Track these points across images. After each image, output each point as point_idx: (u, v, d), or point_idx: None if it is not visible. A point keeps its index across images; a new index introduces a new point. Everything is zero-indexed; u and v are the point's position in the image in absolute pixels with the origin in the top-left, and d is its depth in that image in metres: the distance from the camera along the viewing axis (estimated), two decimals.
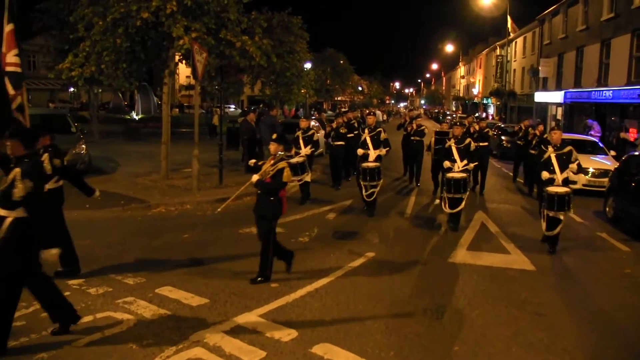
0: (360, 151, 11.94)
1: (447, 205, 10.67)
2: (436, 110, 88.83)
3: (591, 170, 15.47)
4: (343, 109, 51.36)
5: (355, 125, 17.02)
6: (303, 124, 13.76)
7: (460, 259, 8.82)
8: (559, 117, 34.21)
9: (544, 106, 37.35)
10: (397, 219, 11.64)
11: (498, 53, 52.80)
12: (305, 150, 13.17)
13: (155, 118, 34.97)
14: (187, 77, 50.99)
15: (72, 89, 48.28)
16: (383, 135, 12.08)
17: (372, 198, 11.59)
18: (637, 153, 12.97)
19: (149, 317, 6.02)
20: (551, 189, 9.18)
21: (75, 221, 10.39)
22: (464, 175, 10.64)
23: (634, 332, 6.28)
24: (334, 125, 15.87)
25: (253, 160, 10.21)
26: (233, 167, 17.46)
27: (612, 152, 16.83)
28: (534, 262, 8.76)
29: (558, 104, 34.30)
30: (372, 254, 8.87)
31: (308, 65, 32.44)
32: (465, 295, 7.20)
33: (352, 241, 9.66)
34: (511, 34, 45.95)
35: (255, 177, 7.27)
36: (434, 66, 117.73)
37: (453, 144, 11.10)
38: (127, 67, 14.28)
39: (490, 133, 16.16)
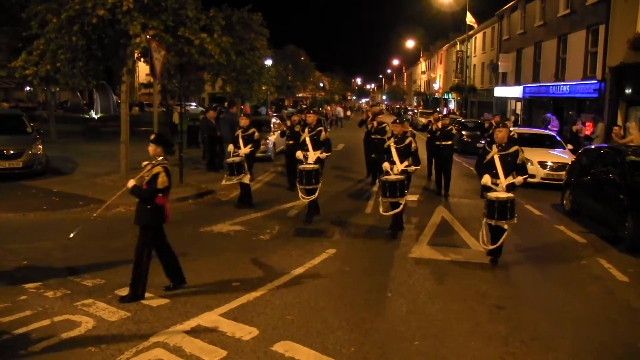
0: (299, 154, 11.17)
1: (382, 208, 9.77)
2: (398, 106, 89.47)
3: (549, 163, 15.80)
4: (304, 106, 51.38)
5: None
6: (242, 122, 12.74)
7: (420, 254, 8.92)
8: (518, 111, 34.82)
9: (504, 101, 37.96)
10: (357, 216, 11.68)
11: (458, 48, 53.47)
12: (244, 150, 12.11)
13: (114, 117, 34.31)
14: (147, 74, 50.20)
15: (28, 88, 47.14)
16: (324, 135, 11.16)
17: (311, 198, 10.69)
18: (592, 146, 13.29)
19: (108, 319, 5.93)
20: (491, 194, 8.15)
21: (32, 223, 10.26)
22: (400, 177, 9.64)
23: (588, 322, 6.43)
24: (288, 123, 15.46)
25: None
26: (194, 165, 17.33)
27: (570, 146, 17.20)
28: None
29: (517, 99, 34.90)
30: (333, 250, 8.91)
31: (269, 62, 32.31)
32: (425, 290, 7.28)
33: (313, 238, 9.68)
34: (474, 26, 46.56)
35: (131, 182, 6.58)
36: (395, 62, 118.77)
37: (392, 144, 10.11)
38: (84, 65, 14.02)
39: (454, 130, 15.80)
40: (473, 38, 48.60)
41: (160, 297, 6.62)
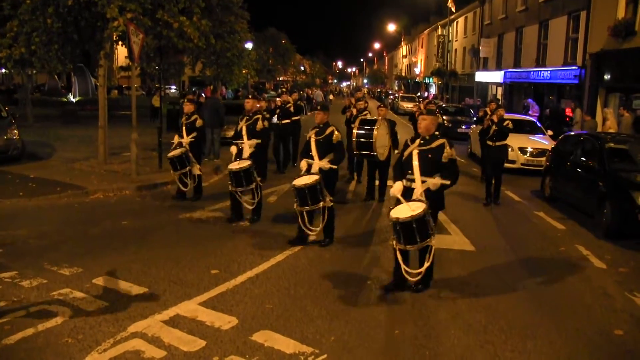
0: (233, 149, 9.84)
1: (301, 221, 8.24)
2: (379, 90, 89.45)
3: (529, 149, 15.90)
4: (283, 89, 51.18)
5: (292, 109, 15.63)
6: (186, 108, 11.56)
7: None
8: (499, 96, 34.96)
9: (485, 86, 38.12)
10: (337, 204, 11.63)
11: (440, 33, 53.47)
12: (185, 139, 10.98)
13: (93, 100, 33.78)
14: (126, 57, 49.53)
15: (3, 71, 46.29)
16: (260, 125, 9.75)
17: (253, 205, 9.57)
18: (572, 134, 13.38)
19: (86, 309, 5.85)
20: (393, 213, 6.30)
21: (8, 210, 10.09)
22: (313, 179, 7.86)
23: (566, 309, 6.49)
24: (279, 102, 15.74)
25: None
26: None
27: (550, 132, 17.31)
28: (474, 242, 8.95)
29: (498, 84, 35.06)
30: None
31: (249, 46, 32.04)
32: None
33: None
34: (453, 10, 46.51)
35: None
36: (377, 45, 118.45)
37: (313, 135, 8.42)
38: (60, 48, 13.76)
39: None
40: (454, 22, 48.59)
41: (138, 286, 6.54)
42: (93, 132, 17.09)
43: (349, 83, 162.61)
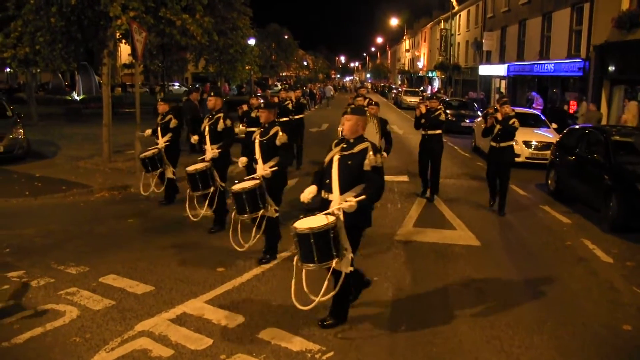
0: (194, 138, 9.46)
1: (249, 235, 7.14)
2: (382, 84, 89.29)
3: (534, 143, 15.87)
4: (285, 84, 51.16)
5: (290, 107, 14.77)
6: (160, 107, 10.92)
7: (406, 236, 8.93)
8: (502, 90, 34.86)
9: (488, 79, 38.00)
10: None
11: (442, 27, 53.31)
12: (161, 141, 10.37)
13: (97, 98, 33.75)
14: (129, 54, 49.71)
15: (8, 70, 46.38)
16: (221, 125, 8.96)
17: (197, 218, 8.71)
18: (577, 127, 13.33)
19: (93, 308, 5.87)
20: (297, 222, 5.24)
21: (14, 209, 10.14)
22: (252, 184, 7.00)
23: (572, 304, 6.48)
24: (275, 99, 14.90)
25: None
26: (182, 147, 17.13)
27: (554, 125, 17.26)
28: (479, 237, 8.94)
29: (502, 77, 34.94)
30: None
31: (252, 42, 32.00)
32: (411, 274, 7.29)
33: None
34: (455, 6, 46.40)
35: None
36: (379, 40, 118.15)
37: (257, 136, 7.59)
38: (64, 47, 13.78)
39: (443, 116, 11.97)
40: (457, 16, 48.45)
41: (144, 284, 6.56)
42: (97, 130, 17.13)
43: (352, 78, 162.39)
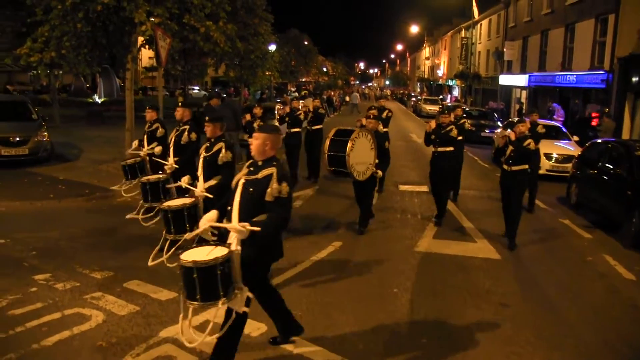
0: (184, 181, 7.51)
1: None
2: (401, 92, 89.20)
3: (555, 155, 15.78)
4: (305, 91, 51.33)
5: (302, 117, 14.12)
6: (147, 115, 10.40)
7: (426, 248, 8.95)
8: (523, 100, 34.69)
9: (509, 89, 37.83)
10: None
11: (463, 35, 53.19)
12: (144, 150, 9.80)
13: (117, 101, 34.32)
14: (150, 58, 50.25)
15: (31, 72, 47.08)
16: (185, 138, 8.49)
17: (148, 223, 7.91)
18: (599, 140, 13.26)
19: (118, 313, 5.97)
20: (184, 254, 4.44)
21: (39, 212, 10.30)
22: (184, 203, 6.35)
23: (593, 321, 6.47)
24: (287, 109, 14.13)
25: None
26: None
27: (575, 138, 17.17)
28: (499, 250, 8.94)
29: (522, 87, 34.76)
30: (338, 243, 8.94)
31: (272, 47, 32.21)
32: (430, 286, 7.31)
33: (319, 230, 9.70)
34: (476, 15, 46.31)
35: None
36: (399, 47, 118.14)
37: (203, 152, 7.02)
38: (89, 52, 14.00)
39: (467, 125, 12.95)
40: (478, 25, 48.33)
41: (168, 290, 6.65)
42: (118, 133, 17.34)
43: (370, 84, 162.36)
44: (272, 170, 4.63)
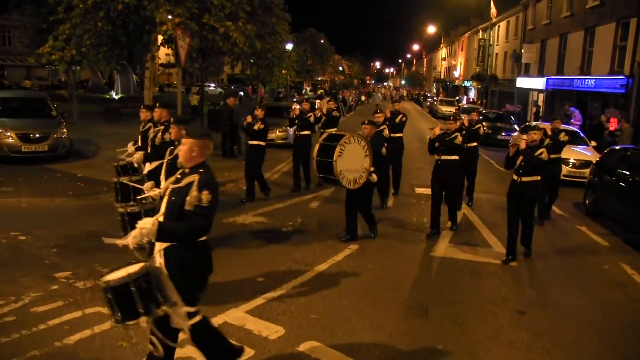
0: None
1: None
2: (417, 92, 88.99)
3: (572, 160, 15.68)
4: (321, 90, 51.28)
5: (312, 119, 13.35)
6: (142, 115, 10.19)
7: (442, 253, 8.96)
8: (540, 103, 34.48)
9: (526, 92, 37.61)
10: (378, 211, 11.65)
11: (480, 36, 52.94)
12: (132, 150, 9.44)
13: (135, 98, 34.53)
14: (167, 54, 50.54)
15: (50, 67, 47.56)
16: (159, 138, 8.29)
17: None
18: (618, 147, 13.17)
19: None
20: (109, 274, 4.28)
21: (59, 209, 10.42)
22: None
23: (610, 330, 6.46)
24: (297, 111, 13.41)
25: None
26: (215, 151, 17.38)
27: (593, 143, 17.05)
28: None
29: (540, 90, 34.55)
30: (355, 246, 8.98)
31: (289, 46, 32.28)
32: (447, 292, 7.33)
33: (335, 232, 9.71)
34: (494, 17, 46.06)
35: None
36: (415, 47, 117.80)
37: (167, 155, 6.75)
38: (109, 50, 14.17)
39: (482, 130, 12.69)
40: (496, 26, 48.07)
41: None
42: (135, 130, 17.36)
43: (386, 83, 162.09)
44: (195, 177, 4.36)
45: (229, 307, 6.34)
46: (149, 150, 8.49)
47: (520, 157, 8.64)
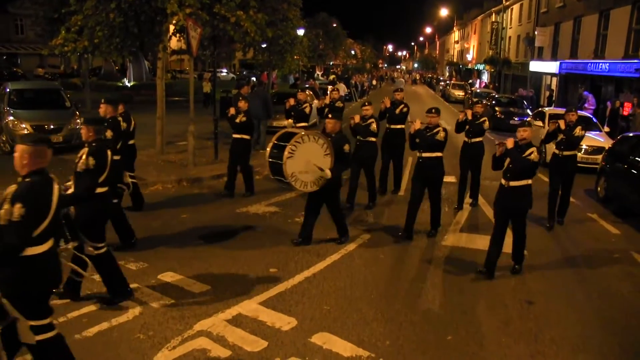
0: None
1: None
2: (429, 76, 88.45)
3: (584, 147, 15.55)
4: (333, 75, 51.14)
5: (307, 110, 12.78)
6: (102, 110, 9.04)
7: (453, 242, 9.03)
8: (553, 87, 34.22)
9: (539, 76, 37.31)
10: (391, 198, 11.75)
11: (493, 19, 52.47)
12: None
13: (147, 85, 34.74)
14: (178, 41, 50.68)
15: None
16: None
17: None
18: (631, 134, 13.10)
19: (154, 306, 6.20)
20: None
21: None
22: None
23: (618, 321, 6.51)
24: (327, 100, 12.94)
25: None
26: (227, 139, 17.44)
27: (606, 129, 16.93)
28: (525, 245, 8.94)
29: (553, 74, 34.27)
30: (367, 235, 9.07)
31: (301, 32, 32.13)
32: (458, 282, 7.41)
33: (348, 222, 9.77)
34: (506, 0, 45.64)
35: None
36: (428, 30, 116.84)
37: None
38: (121, 41, 14.22)
39: (487, 125, 11.28)
40: (509, 9, 47.63)
41: (201, 283, 6.86)
42: (148, 119, 17.54)
43: (399, 67, 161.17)
44: (12, 188, 4.03)
45: (242, 298, 6.46)
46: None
47: (507, 161, 7.57)
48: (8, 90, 15.70)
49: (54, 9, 20.27)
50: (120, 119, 9.41)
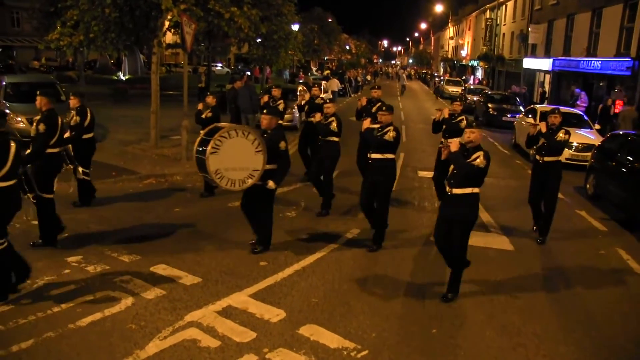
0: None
1: None
2: (424, 71, 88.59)
3: (575, 144, 15.71)
4: (327, 70, 51.34)
5: (281, 107, 12.42)
6: (72, 102, 9.91)
7: None
8: (546, 84, 34.39)
9: (532, 73, 37.47)
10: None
11: (488, 16, 52.59)
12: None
13: (142, 79, 34.79)
14: (174, 35, 50.68)
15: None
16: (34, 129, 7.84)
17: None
18: (620, 132, 13.27)
19: (146, 297, 6.33)
20: None
21: (70, 194, 10.64)
22: None
23: (601, 316, 6.68)
24: (307, 97, 12.82)
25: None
26: None
27: (597, 126, 17.09)
28: (513, 241, 9.15)
29: (546, 72, 34.43)
30: (356, 230, 9.21)
31: (295, 27, 32.23)
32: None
33: (338, 216, 9.94)
34: None
35: None
36: (423, 25, 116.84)
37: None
38: (116, 36, 14.33)
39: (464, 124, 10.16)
40: (503, 6, 47.75)
41: (192, 275, 7.00)
42: (143, 112, 17.71)
43: (393, 62, 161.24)
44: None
45: (232, 290, 6.61)
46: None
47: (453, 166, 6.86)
48: (4, 83, 15.77)
49: (50, 2, 20.36)
50: (73, 112, 9.98)
